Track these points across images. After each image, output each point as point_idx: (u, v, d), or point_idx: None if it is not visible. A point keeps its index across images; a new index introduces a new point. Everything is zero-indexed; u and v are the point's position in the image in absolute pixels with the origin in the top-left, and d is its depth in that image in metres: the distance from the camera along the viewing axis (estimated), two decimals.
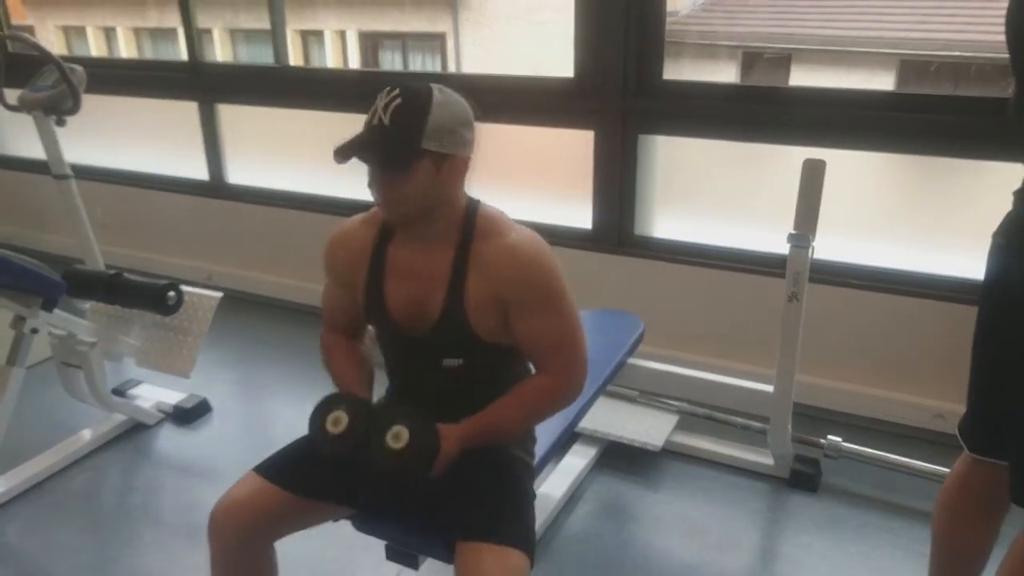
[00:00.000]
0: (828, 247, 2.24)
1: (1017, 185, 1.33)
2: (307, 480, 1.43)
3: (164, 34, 10.22)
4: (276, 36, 3.49)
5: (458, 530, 1.33)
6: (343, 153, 1.29)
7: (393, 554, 1.54)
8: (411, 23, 9.68)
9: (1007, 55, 1.32)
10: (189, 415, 2.70)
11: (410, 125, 1.27)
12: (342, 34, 9.99)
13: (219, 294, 2.57)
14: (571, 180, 2.93)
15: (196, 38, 3.56)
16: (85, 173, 3.04)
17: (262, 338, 3.34)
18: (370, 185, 1.34)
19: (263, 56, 7.53)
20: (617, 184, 2.81)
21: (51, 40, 10.89)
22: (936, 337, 2.44)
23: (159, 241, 3.88)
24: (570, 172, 2.94)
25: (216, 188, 3.73)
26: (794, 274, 2.06)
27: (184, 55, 3.60)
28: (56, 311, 2.24)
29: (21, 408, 2.25)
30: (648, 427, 2.46)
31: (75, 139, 2.85)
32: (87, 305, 2.68)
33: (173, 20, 3.68)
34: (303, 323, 3.32)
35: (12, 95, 2.73)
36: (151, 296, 2.33)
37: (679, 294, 2.80)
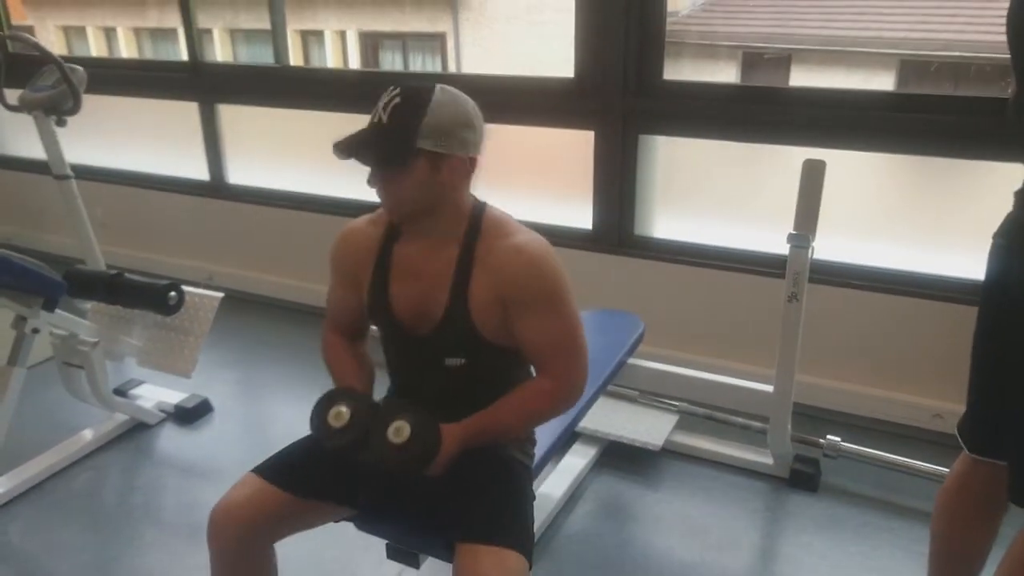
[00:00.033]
0: (828, 247, 2.24)
1: (1017, 185, 1.33)
2: (307, 481, 1.43)
3: (164, 34, 10.24)
4: (276, 36, 3.50)
5: (457, 530, 1.33)
6: (342, 149, 1.30)
7: (394, 553, 1.55)
8: (411, 23, 9.69)
9: (1007, 55, 1.33)
10: (190, 415, 2.71)
11: (406, 124, 1.28)
12: (342, 34, 10.00)
13: (220, 294, 2.57)
14: (571, 180, 2.93)
15: (196, 38, 3.56)
16: (85, 173, 3.05)
17: (263, 338, 3.35)
18: (369, 182, 1.35)
19: (263, 56, 7.54)
20: (617, 184, 2.81)
21: (51, 40, 10.92)
22: (936, 337, 2.44)
23: (160, 241, 3.88)
24: (570, 172, 2.94)
25: (216, 188, 3.73)
26: (794, 274, 2.06)
27: (184, 55, 3.60)
28: (57, 311, 2.24)
29: (22, 408, 2.26)
30: (648, 427, 2.46)
31: (75, 139, 2.86)
32: (88, 305, 2.68)
33: (173, 20, 3.68)
34: (303, 323, 3.33)
35: (12, 95, 2.74)
36: (152, 296, 2.33)
37: (679, 294, 2.80)
